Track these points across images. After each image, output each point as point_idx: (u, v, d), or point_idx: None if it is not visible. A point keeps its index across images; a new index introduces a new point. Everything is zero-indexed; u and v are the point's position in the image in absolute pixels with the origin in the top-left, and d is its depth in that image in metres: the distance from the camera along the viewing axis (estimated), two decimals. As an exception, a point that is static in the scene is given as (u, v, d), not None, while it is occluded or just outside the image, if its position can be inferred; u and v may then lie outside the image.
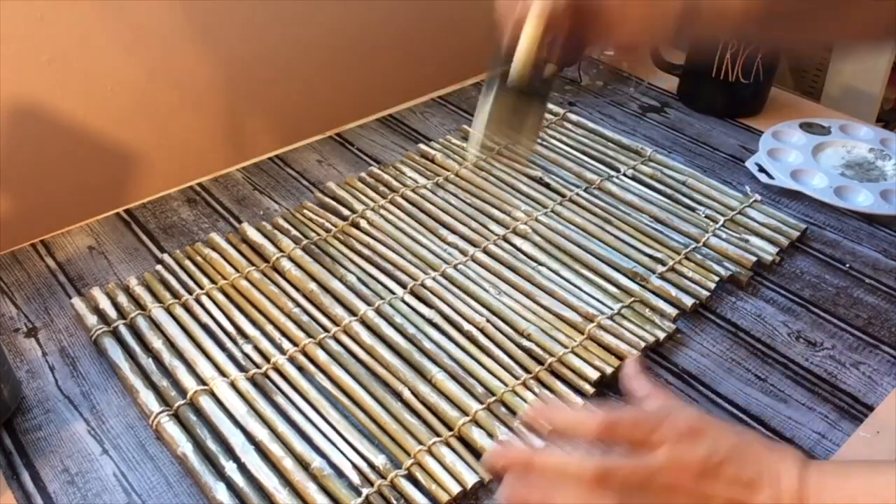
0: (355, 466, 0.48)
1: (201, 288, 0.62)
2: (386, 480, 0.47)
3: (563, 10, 0.45)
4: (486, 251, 0.66)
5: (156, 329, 0.58)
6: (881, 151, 0.79)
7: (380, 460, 0.48)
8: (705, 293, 0.62)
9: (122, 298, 0.61)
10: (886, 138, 0.80)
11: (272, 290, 0.61)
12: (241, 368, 0.55)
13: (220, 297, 0.61)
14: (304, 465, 0.48)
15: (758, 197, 0.72)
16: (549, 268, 0.64)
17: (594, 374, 0.54)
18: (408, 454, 0.49)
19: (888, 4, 0.46)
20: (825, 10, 0.47)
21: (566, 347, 0.56)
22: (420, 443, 0.50)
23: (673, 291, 0.61)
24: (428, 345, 0.57)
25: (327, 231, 0.68)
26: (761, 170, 0.77)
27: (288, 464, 0.48)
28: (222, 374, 0.54)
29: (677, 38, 0.49)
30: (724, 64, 0.83)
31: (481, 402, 0.52)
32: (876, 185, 0.75)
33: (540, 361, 0.56)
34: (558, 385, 0.54)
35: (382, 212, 0.70)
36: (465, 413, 0.52)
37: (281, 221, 0.69)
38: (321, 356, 0.56)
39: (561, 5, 0.45)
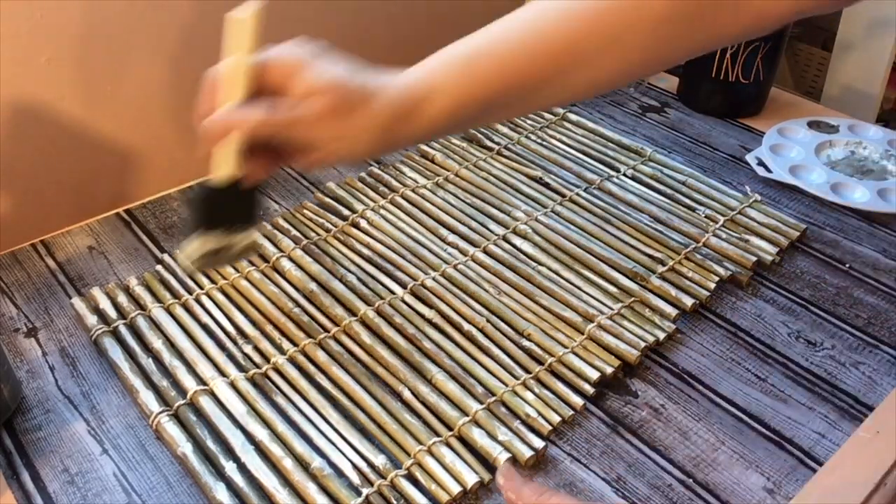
0: (355, 466, 0.48)
1: (201, 288, 0.62)
2: (386, 480, 0.47)
3: (251, 141, 0.46)
4: (486, 251, 0.66)
5: (156, 329, 0.58)
6: (886, 151, 0.79)
7: (380, 460, 0.49)
8: (705, 293, 0.62)
9: (122, 298, 0.61)
10: (894, 139, 0.80)
11: (272, 291, 0.61)
12: (241, 368, 0.55)
13: (220, 297, 0.61)
14: (304, 465, 0.48)
15: (758, 197, 0.72)
16: (548, 268, 0.64)
17: (594, 375, 0.54)
18: (408, 454, 0.49)
19: (610, 62, 0.46)
20: (533, 94, 0.47)
21: (566, 347, 0.56)
22: (420, 443, 0.50)
23: (673, 291, 0.61)
24: (428, 345, 0.57)
25: (327, 231, 0.68)
26: (760, 163, 0.77)
27: (288, 464, 0.48)
28: (222, 374, 0.54)
29: (383, 147, 0.48)
30: (725, 64, 0.83)
31: (481, 402, 0.52)
32: (874, 182, 0.75)
33: (540, 361, 0.56)
34: (558, 385, 0.54)
35: (382, 212, 0.70)
36: (464, 413, 0.52)
37: (281, 221, 0.69)
38: (321, 356, 0.56)
39: (256, 137, 0.45)
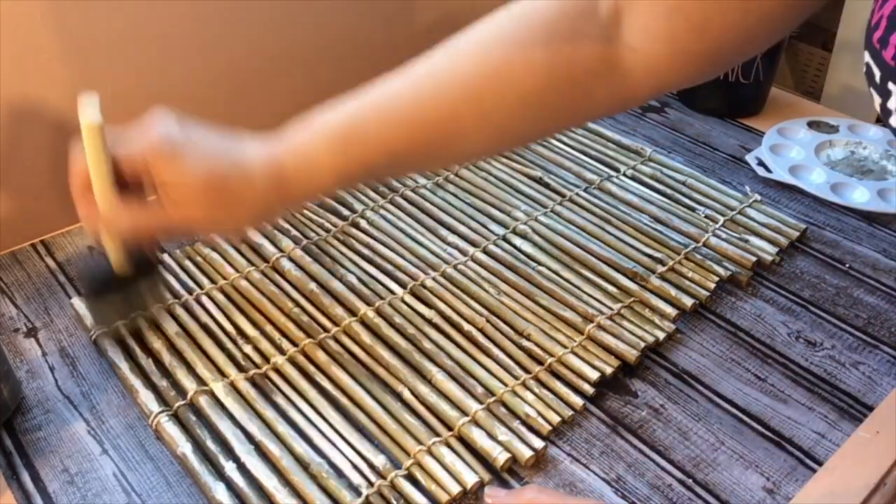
0: (355, 466, 0.48)
1: (201, 288, 0.62)
2: (386, 481, 0.47)
3: (132, 235, 0.48)
4: (485, 251, 0.66)
5: (156, 329, 0.58)
6: (886, 151, 0.79)
7: (379, 460, 0.48)
8: (705, 293, 0.62)
9: (122, 298, 0.61)
10: (894, 139, 0.80)
11: (272, 291, 0.61)
12: (240, 369, 0.55)
13: (220, 298, 0.61)
14: (304, 466, 0.48)
15: (758, 197, 0.72)
16: (548, 268, 0.64)
17: (594, 375, 0.54)
18: (407, 454, 0.49)
19: (487, 134, 0.47)
20: (423, 156, 0.48)
21: (566, 347, 0.56)
22: (420, 443, 0.49)
23: (673, 291, 0.61)
24: (427, 345, 0.57)
25: (327, 231, 0.68)
26: (760, 163, 0.77)
27: (287, 464, 0.48)
28: (222, 374, 0.54)
29: (265, 220, 0.49)
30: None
31: (481, 403, 0.52)
32: (874, 182, 0.75)
33: (540, 361, 0.56)
34: (558, 385, 0.54)
35: (382, 212, 0.70)
36: (464, 413, 0.52)
37: (280, 221, 0.69)
38: (321, 356, 0.56)
39: (127, 234, 0.48)
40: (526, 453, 0.49)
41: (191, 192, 0.44)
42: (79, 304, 0.60)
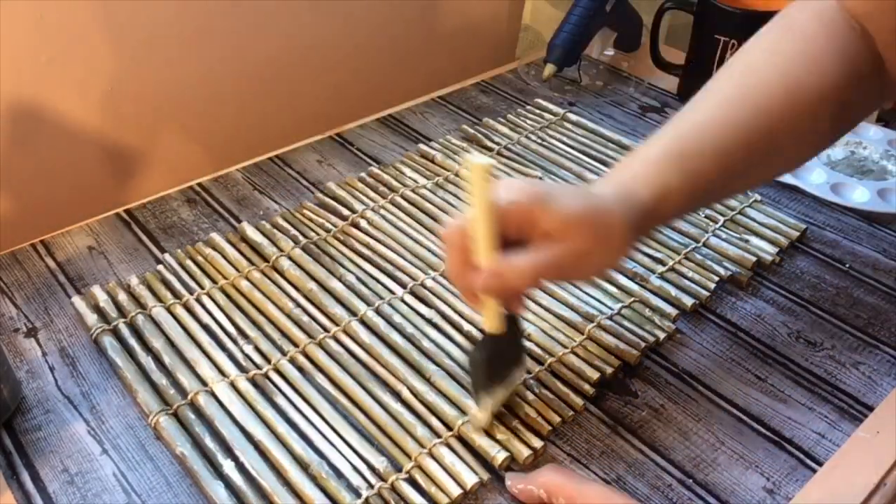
0: (355, 468, 0.48)
1: (202, 288, 0.62)
2: (386, 483, 0.47)
3: (516, 291, 0.47)
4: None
5: (156, 329, 0.58)
6: (886, 151, 0.79)
7: (380, 462, 0.48)
8: (705, 293, 0.62)
9: (123, 297, 0.61)
10: (894, 139, 0.80)
11: (272, 291, 0.61)
12: (241, 369, 0.55)
13: (220, 298, 0.61)
14: (304, 466, 0.48)
15: (758, 197, 0.72)
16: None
17: (594, 374, 0.54)
18: (408, 457, 0.49)
19: (804, 151, 0.54)
20: (753, 168, 0.52)
21: (566, 347, 0.56)
22: (421, 445, 0.49)
23: (673, 291, 0.61)
24: (427, 344, 0.57)
25: (327, 231, 0.68)
26: (761, 167, 0.77)
27: (287, 464, 0.48)
28: (222, 374, 0.54)
29: (633, 248, 0.49)
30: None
31: (481, 402, 0.52)
32: (874, 182, 0.75)
33: (540, 361, 0.56)
34: (558, 385, 0.54)
35: (382, 212, 0.70)
36: (463, 412, 0.51)
37: (280, 221, 0.69)
38: (321, 357, 0.56)
39: (515, 289, 0.46)
40: (524, 452, 0.49)
41: (570, 231, 0.43)
42: (85, 307, 0.60)
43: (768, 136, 0.50)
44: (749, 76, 0.51)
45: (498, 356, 0.49)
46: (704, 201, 0.57)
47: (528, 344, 0.57)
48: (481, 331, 0.50)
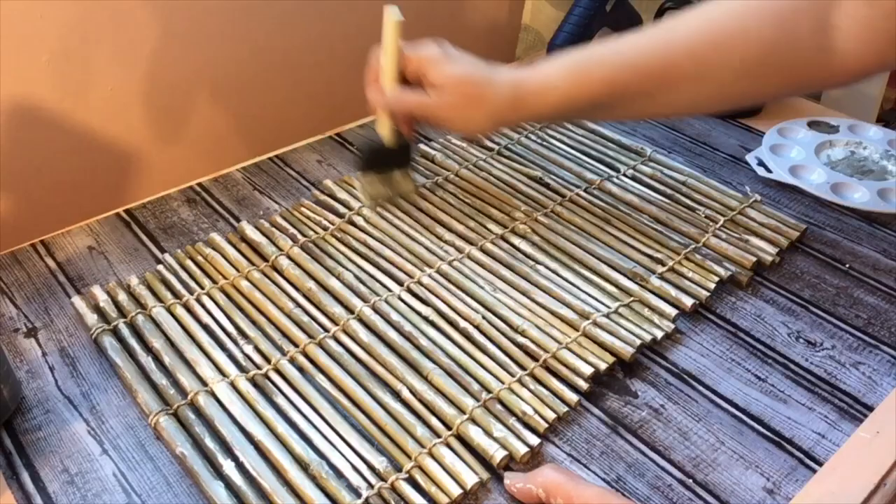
0: (355, 468, 0.48)
1: (202, 288, 0.62)
2: (386, 483, 0.47)
3: (401, 115, 0.62)
4: (482, 249, 0.66)
5: (156, 329, 0.58)
6: (886, 151, 0.79)
7: (380, 462, 0.48)
8: (705, 293, 0.62)
9: (123, 297, 0.61)
10: (894, 139, 0.80)
11: (272, 290, 0.61)
12: (241, 369, 0.55)
13: (220, 298, 0.61)
14: (304, 466, 0.48)
15: (758, 197, 0.72)
16: (548, 267, 0.64)
17: (588, 370, 0.54)
18: (408, 457, 0.49)
19: (706, 89, 0.56)
20: (643, 97, 0.57)
21: (560, 344, 0.56)
22: (421, 445, 0.49)
23: (672, 291, 0.61)
24: (424, 342, 0.57)
25: (325, 229, 0.68)
26: (760, 163, 0.77)
27: (287, 464, 0.48)
28: (222, 374, 0.54)
29: (500, 126, 0.62)
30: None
31: (477, 400, 0.52)
32: (874, 182, 0.75)
33: (535, 358, 0.56)
34: (553, 382, 0.54)
35: (380, 210, 0.70)
36: (461, 411, 0.51)
37: (279, 220, 0.69)
38: (321, 357, 0.56)
39: (398, 113, 0.62)
40: (521, 450, 0.49)
41: (448, 86, 0.57)
42: (85, 307, 0.60)
43: (667, 66, 0.54)
44: (676, 18, 0.56)
45: (383, 157, 0.65)
46: (585, 113, 0.62)
47: (523, 340, 0.57)
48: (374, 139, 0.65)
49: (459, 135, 0.74)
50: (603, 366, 0.55)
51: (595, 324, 0.58)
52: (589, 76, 0.56)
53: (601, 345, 0.57)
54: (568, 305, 0.60)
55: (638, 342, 0.57)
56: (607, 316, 0.59)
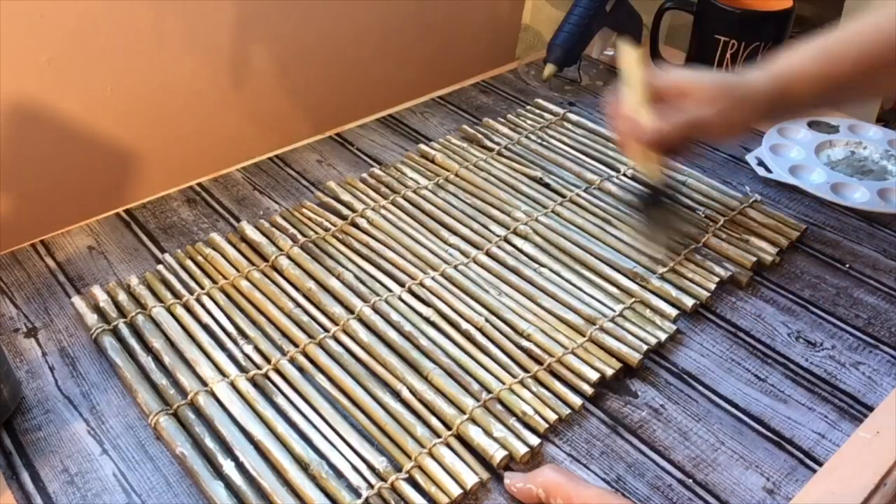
0: (355, 468, 0.48)
1: (202, 288, 0.62)
2: (386, 483, 0.47)
3: (668, 143, 0.61)
4: (488, 253, 0.66)
5: (156, 329, 0.58)
6: (886, 151, 0.79)
7: (380, 462, 0.48)
8: (705, 293, 0.62)
9: (123, 297, 0.61)
10: (894, 139, 0.80)
11: (272, 290, 0.61)
12: (241, 369, 0.55)
13: (220, 298, 0.61)
14: (304, 466, 0.48)
15: (758, 197, 0.72)
16: (549, 269, 0.64)
17: (594, 376, 0.54)
18: (408, 457, 0.49)
19: None
20: (871, 85, 0.62)
21: (566, 349, 0.56)
22: (421, 445, 0.49)
23: (673, 292, 0.61)
24: (424, 342, 0.57)
25: (326, 230, 0.68)
26: (760, 163, 0.77)
27: (287, 464, 0.48)
28: (222, 374, 0.54)
29: (766, 121, 0.66)
30: (725, 64, 0.83)
31: (477, 400, 0.52)
32: (874, 182, 0.75)
33: (539, 361, 0.56)
34: (557, 385, 0.54)
35: (383, 211, 0.70)
36: (461, 411, 0.51)
37: (279, 220, 0.69)
38: (321, 357, 0.56)
39: (667, 140, 0.60)
40: (521, 450, 0.49)
41: (712, 95, 0.59)
42: (85, 307, 0.60)
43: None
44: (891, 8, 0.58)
45: (659, 196, 0.65)
46: (836, 95, 0.63)
47: (527, 344, 0.57)
48: (642, 181, 0.67)
49: (727, 142, 0.77)
50: (609, 371, 0.55)
51: (601, 329, 0.58)
52: (835, 64, 0.58)
53: (608, 350, 0.56)
54: (573, 310, 0.60)
55: (644, 347, 0.56)
56: (612, 320, 0.59)
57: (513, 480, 0.47)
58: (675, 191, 0.66)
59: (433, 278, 0.63)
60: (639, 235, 0.65)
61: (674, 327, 0.59)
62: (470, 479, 0.47)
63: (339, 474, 0.48)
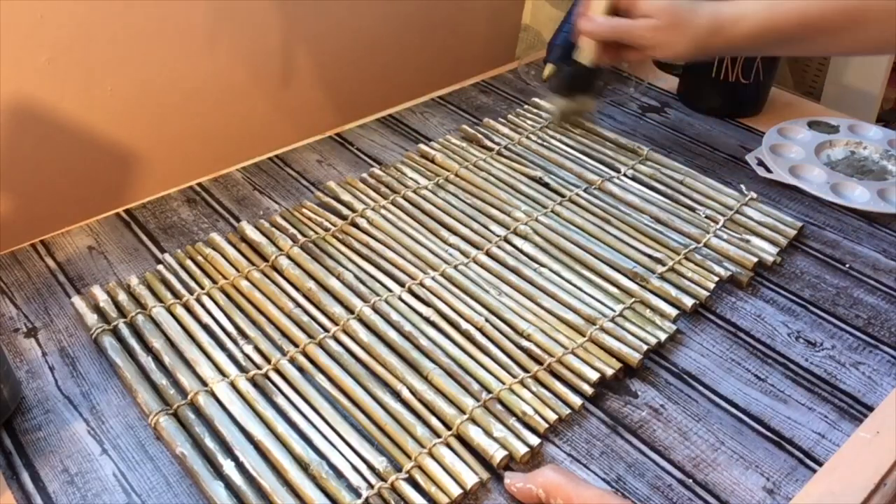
0: (355, 468, 0.48)
1: (202, 288, 0.62)
2: (386, 483, 0.47)
3: (608, 41, 0.70)
4: (488, 253, 0.66)
5: (156, 329, 0.58)
6: (887, 152, 0.79)
7: (380, 462, 0.48)
8: (705, 293, 0.62)
9: (123, 297, 0.61)
10: (894, 139, 0.80)
11: (272, 290, 0.61)
12: (241, 369, 0.55)
13: (220, 298, 0.61)
14: (304, 466, 0.48)
15: (753, 195, 0.72)
16: (549, 269, 0.64)
17: (594, 375, 0.54)
18: (408, 457, 0.49)
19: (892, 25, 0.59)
20: (818, 41, 0.63)
21: (566, 349, 0.56)
22: (420, 445, 0.49)
23: (673, 292, 0.61)
24: (424, 342, 0.57)
25: (326, 230, 0.68)
26: (760, 163, 0.77)
27: (287, 464, 0.48)
28: (222, 374, 0.54)
29: (698, 53, 0.67)
30: (725, 64, 0.83)
31: (477, 400, 0.52)
32: (874, 182, 0.75)
33: (539, 361, 0.56)
34: (557, 385, 0.54)
35: (383, 211, 0.70)
36: (461, 411, 0.51)
37: (280, 220, 0.69)
38: (321, 357, 0.56)
39: (607, 37, 0.70)
40: (521, 450, 0.49)
41: (656, 13, 0.66)
42: (85, 307, 0.60)
43: (861, 5, 0.59)
44: None
45: (581, 79, 0.77)
46: (777, 46, 0.68)
47: (527, 344, 0.57)
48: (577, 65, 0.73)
49: (662, 58, 0.82)
50: (609, 371, 0.55)
51: (601, 329, 0.58)
52: (783, 11, 0.62)
53: (608, 350, 0.56)
54: (573, 310, 0.60)
55: (644, 347, 0.56)
56: (613, 320, 0.59)
57: (513, 480, 0.47)
58: (599, 79, 0.75)
59: (433, 278, 0.63)
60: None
61: (674, 327, 0.59)
62: (470, 479, 0.47)
63: (339, 474, 0.48)
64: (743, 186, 0.75)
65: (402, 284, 0.62)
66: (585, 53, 0.72)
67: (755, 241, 0.67)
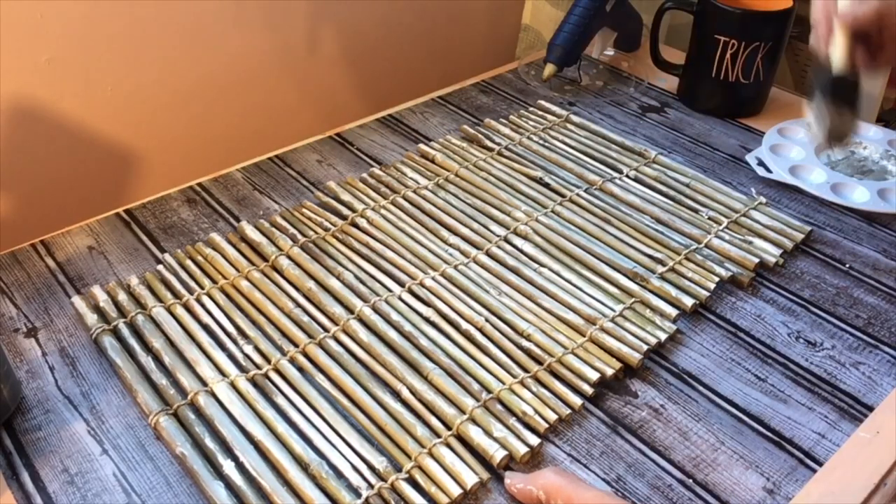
0: (355, 468, 0.48)
1: (202, 288, 0.62)
2: (386, 483, 0.47)
3: (868, 22, 0.56)
4: (488, 253, 0.66)
5: (156, 329, 0.58)
6: (887, 152, 0.79)
7: (380, 462, 0.48)
8: (705, 293, 0.62)
9: (123, 297, 0.61)
10: (894, 139, 0.80)
11: (272, 290, 0.61)
12: (241, 369, 0.55)
13: (220, 298, 0.61)
14: (304, 466, 0.48)
15: (763, 199, 0.72)
16: (549, 269, 0.64)
17: (594, 375, 0.54)
18: (408, 457, 0.49)
19: None
20: None
21: (566, 349, 0.56)
22: (420, 445, 0.49)
23: (673, 292, 0.61)
24: (424, 342, 0.57)
25: (326, 230, 0.68)
26: (760, 163, 0.77)
27: (287, 464, 0.48)
28: (222, 374, 0.54)
29: None
30: (725, 64, 0.83)
31: (477, 400, 0.52)
32: (874, 182, 0.75)
33: (539, 361, 0.56)
34: (557, 385, 0.54)
35: (383, 211, 0.70)
36: (461, 411, 0.51)
37: (280, 220, 0.69)
38: (321, 357, 0.56)
39: (867, 17, 0.56)
40: (521, 450, 0.49)
41: None
42: (85, 307, 0.60)
43: None
44: None
45: (841, 87, 0.60)
46: None
47: (528, 344, 0.57)
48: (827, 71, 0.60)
49: None
50: (610, 371, 0.55)
51: (601, 329, 0.58)
52: None
53: (608, 350, 0.56)
54: (573, 310, 0.60)
55: (644, 347, 0.56)
56: (613, 320, 0.59)
57: (513, 481, 0.47)
58: (858, 86, 0.61)
59: (433, 278, 0.63)
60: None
61: (674, 327, 0.59)
62: (470, 479, 0.47)
63: (339, 474, 0.48)
64: (753, 190, 0.74)
65: (402, 284, 0.62)
66: (836, 51, 0.58)
67: (759, 242, 0.67)
